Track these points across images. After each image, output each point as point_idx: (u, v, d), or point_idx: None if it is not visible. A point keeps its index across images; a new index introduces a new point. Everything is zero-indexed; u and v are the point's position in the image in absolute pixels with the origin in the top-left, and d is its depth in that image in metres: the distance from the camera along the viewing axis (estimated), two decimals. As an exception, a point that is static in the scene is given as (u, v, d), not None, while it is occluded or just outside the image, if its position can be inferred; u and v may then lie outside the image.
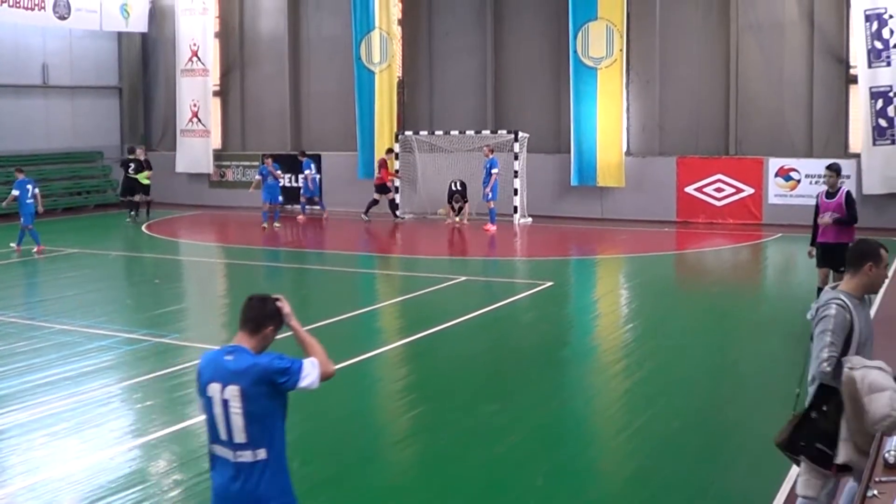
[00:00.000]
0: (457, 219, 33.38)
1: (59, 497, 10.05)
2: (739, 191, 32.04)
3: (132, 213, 35.91)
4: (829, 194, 16.90)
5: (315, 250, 29.68)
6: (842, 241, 15.97)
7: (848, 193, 16.95)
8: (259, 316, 6.81)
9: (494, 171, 31.08)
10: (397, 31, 37.91)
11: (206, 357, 6.72)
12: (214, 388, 6.49)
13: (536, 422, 11.63)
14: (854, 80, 30.54)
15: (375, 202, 35.05)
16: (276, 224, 33.69)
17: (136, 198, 36.08)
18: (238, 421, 6.43)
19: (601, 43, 33.38)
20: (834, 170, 16.99)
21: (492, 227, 31.32)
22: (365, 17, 37.19)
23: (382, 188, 34.94)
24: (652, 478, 10.42)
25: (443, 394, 13.86)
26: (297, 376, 6.75)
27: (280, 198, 34.41)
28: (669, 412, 12.66)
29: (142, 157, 36.80)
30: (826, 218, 16.64)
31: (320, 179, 37.71)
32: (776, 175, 31.35)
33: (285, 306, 6.99)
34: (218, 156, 41.11)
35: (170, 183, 41.26)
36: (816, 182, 29.88)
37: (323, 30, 39.53)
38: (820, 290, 15.64)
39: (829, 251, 16.54)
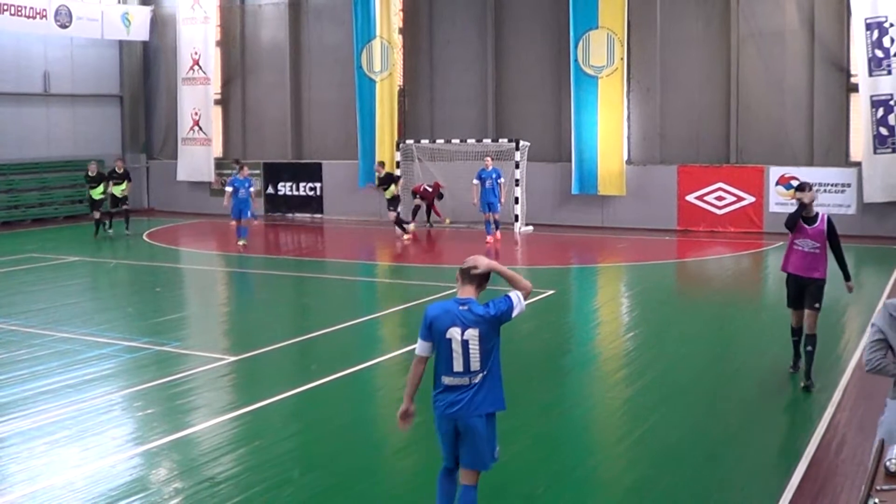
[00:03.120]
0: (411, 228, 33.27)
1: (59, 505, 10.05)
2: (740, 199, 32.05)
3: (107, 223, 34.29)
4: (806, 219, 14.10)
5: (316, 259, 29.64)
6: (814, 277, 13.96)
7: (830, 220, 14.10)
8: (485, 273, 8.54)
9: (502, 180, 30.65)
10: (398, 39, 37.94)
11: (437, 308, 8.54)
12: (454, 332, 8.34)
13: (537, 430, 11.62)
14: (855, 88, 30.56)
15: (418, 208, 35.23)
16: (243, 242, 29.71)
17: (96, 214, 33.93)
18: (475, 354, 8.34)
19: (602, 51, 33.40)
20: (808, 189, 14.25)
21: (496, 237, 30.99)
22: (366, 25, 37.23)
23: (420, 195, 34.81)
24: (653, 487, 10.42)
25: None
26: (512, 311, 8.45)
27: (250, 212, 30.06)
28: (670, 421, 12.67)
29: (120, 170, 34.89)
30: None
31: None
32: (777, 183, 31.36)
33: (484, 264, 8.61)
34: (219, 164, 41.09)
35: (171, 191, 41.32)
36: (818, 191, 29.74)
37: (324, 38, 39.57)
38: (796, 331, 14.38)
39: (800, 288, 14.15)
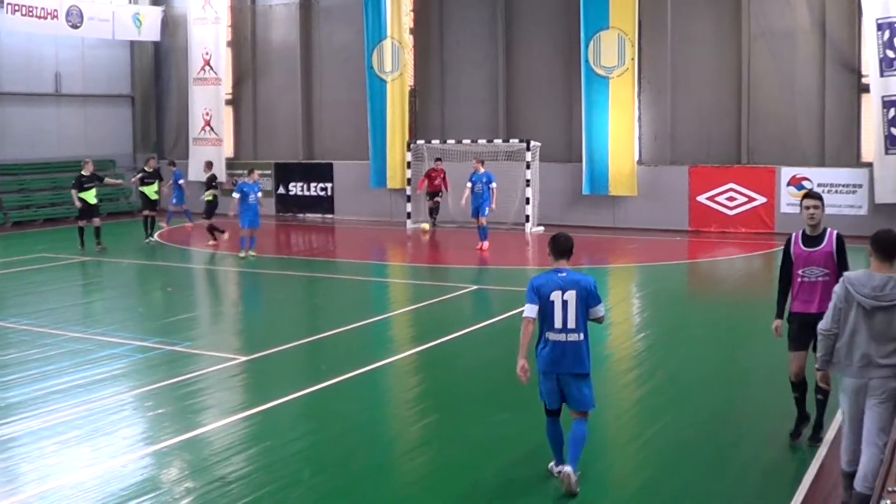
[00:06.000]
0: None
1: (70, 505, 10.06)
2: (752, 200, 31.99)
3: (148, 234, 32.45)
4: (809, 239, 11.32)
5: (327, 259, 29.63)
6: (824, 311, 9.85)
7: (839, 237, 11.28)
8: (572, 246, 10.46)
9: (494, 185, 29.47)
10: (409, 39, 37.95)
11: (540, 278, 10.25)
12: (556, 295, 10.10)
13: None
14: (866, 89, 30.47)
15: (431, 210, 34.81)
16: (252, 253, 28.25)
17: (145, 212, 32.53)
18: (573, 313, 10.09)
19: (613, 52, 33.34)
20: (817, 198, 11.35)
21: (482, 247, 29.28)
22: (377, 26, 37.23)
23: (434, 193, 34.57)
24: (664, 487, 10.41)
25: (454, 403, 13.87)
26: (599, 301, 10.33)
27: (259, 220, 28.62)
28: (681, 421, 12.65)
29: (149, 168, 33.31)
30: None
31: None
32: (788, 184, 31.30)
33: None
34: (230, 164, 41.11)
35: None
36: (829, 191, 29.84)
37: (335, 39, 39.60)
38: (797, 386, 11.56)
39: (805, 325, 11.12)
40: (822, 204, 11.33)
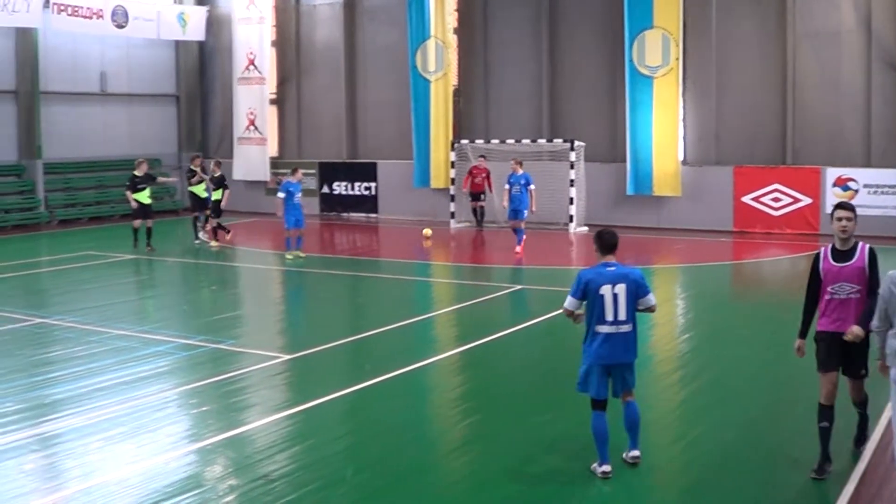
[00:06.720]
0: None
1: (114, 501, 10.12)
2: (797, 200, 31.75)
3: (197, 235, 32.18)
4: (840, 253, 10.54)
5: (371, 258, 29.63)
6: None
7: (871, 252, 10.51)
8: (617, 241, 10.71)
9: (532, 187, 28.77)
10: (453, 39, 37.97)
11: (589, 272, 10.58)
12: (606, 289, 10.43)
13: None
14: (912, 88, 30.25)
15: (475, 210, 34.89)
16: (300, 254, 27.91)
17: (196, 213, 32.13)
18: (623, 305, 10.47)
19: (657, 51, 33.18)
20: (850, 209, 10.52)
21: (517, 251, 28.46)
22: (421, 25, 37.24)
23: (477, 195, 34.69)
24: (708, 490, 10.34)
25: (497, 403, 13.84)
26: (649, 291, 10.72)
27: (303, 221, 28.04)
28: (725, 423, 12.57)
29: (196, 167, 31.99)
30: (855, 330, 10.22)
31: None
32: (834, 185, 31.03)
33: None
34: (274, 163, 41.23)
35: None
36: (875, 192, 29.63)
37: (378, 39, 39.67)
38: (825, 411, 10.63)
39: (841, 345, 10.48)
40: (855, 215, 10.49)
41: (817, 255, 10.72)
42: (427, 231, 31.88)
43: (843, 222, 10.39)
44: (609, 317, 10.46)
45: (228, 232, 31.40)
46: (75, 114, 39.85)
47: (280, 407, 13.58)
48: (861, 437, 11.28)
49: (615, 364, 10.58)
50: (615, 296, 10.46)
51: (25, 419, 12.90)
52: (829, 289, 10.54)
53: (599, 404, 10.65)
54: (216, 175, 30.98)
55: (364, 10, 40.10)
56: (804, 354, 10.96)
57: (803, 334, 10.93)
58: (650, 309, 10.78)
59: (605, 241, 10.68)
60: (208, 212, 31.27)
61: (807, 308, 10.87)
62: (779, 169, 32.17)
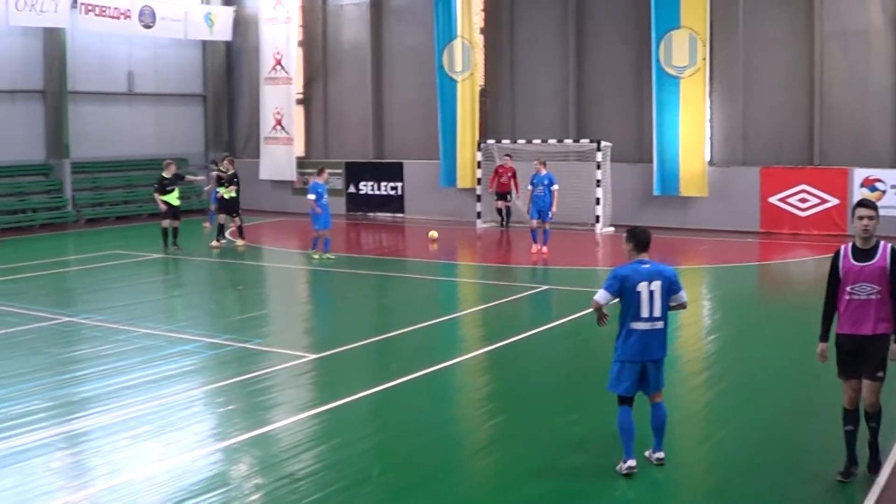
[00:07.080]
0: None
1: (140, 499, 10.16)
2: (824, 201, 31.59)
3: (217, 236, 31.15)
4: (861, 252, 10.23)
5: (397, 258, 29.62)
6: (877, 334, 10.17)
7: (894, 251, 10.11)
8: (650, 238, 10.78)
9: (555, 187, 28.47)
10: (479, 39, 37.96)
11: (625, 269, 10.60)
12: (643, 286, 10.52)
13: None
14: (940, 88, 30.07)
15: (500, 210, 34.99)
16: (330, 256, 27.74)
17: (220, 218, 31.03)
18: (658, 302, 10.57)
19: (684, 51, 33.05)
20: (872, 207, 10.23)
21: (541, 251, 28.33)
22: (447, 26, 37.23)
23: (503, 195, 34.70)
24: (734, 491, 10.31)
25: (522, 403, 13.81)
26: (681, 288, 10.81)
27: (330, 222, 28.02)
28: (751, 425, 12.52)
29: (221, 168, 31.21)
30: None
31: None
32: (861, 185, 30.84)
33: None
34: (301, 163, 41.33)
35: (253, 190, 41.58)
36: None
37: (405, 39, 39.69)
38: (850, 415, 10.49)
39: (861, 350, 10.25)
40: (877, 214, 10.20)
41: (837, 253, 10.47)
42: (433, 233, 31.64)
43: (865, 221, 10.11)
44: (645, 313, 10.53)
45: (228, 233, 31.36)
46: (103, 113, 40.05)
47: (306, 406, 13.61)
48: (874, 465, 10.64)
49: (649, 360, 10.64)
50: (651, 293, 10.54)
51: (53, 417, 12.98)
52: (847, 289, 10.27)
53: (627, 400, 10.71)
54: (229, 172, 30.66)
55: (391, 10, 40.14)
56: (826, 359, 10.69)
57: (824, 338, 10.66)
58: (682, 305, 10.88)
59: (640, 238, 10.73)
60: (234, 215, 30.70)
61: (826, 310, 10.64)
62: (806, 169, 32.02)
